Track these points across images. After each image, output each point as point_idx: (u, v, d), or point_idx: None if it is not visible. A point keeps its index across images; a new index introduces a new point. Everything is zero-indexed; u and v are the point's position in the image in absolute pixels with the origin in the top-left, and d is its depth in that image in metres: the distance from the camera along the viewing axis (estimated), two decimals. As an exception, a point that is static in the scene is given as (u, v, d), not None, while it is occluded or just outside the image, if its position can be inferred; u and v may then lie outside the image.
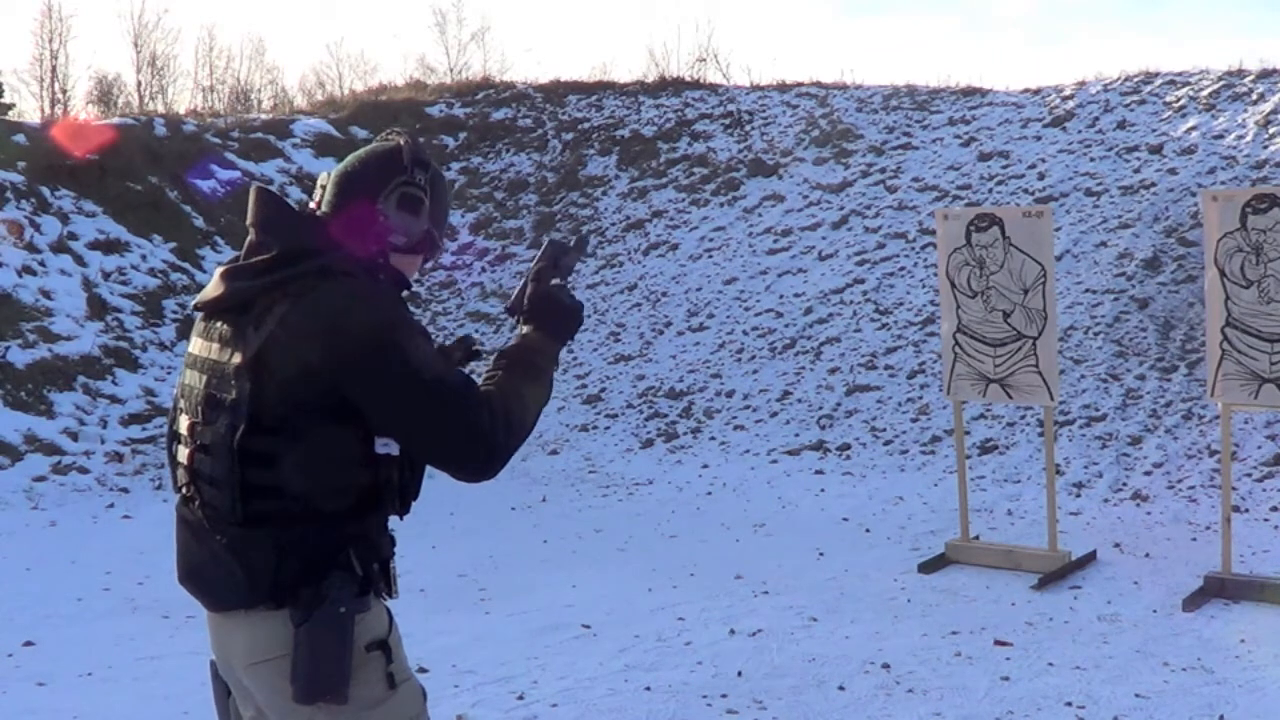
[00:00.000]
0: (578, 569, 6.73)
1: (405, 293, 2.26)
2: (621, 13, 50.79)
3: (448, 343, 2.34)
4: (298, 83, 42.28)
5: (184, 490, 2.20)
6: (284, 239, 2.14)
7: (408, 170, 2.20)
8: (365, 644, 2.09)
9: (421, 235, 2.24)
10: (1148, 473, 7.93)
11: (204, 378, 2.15)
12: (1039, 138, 12.32)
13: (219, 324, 2.16)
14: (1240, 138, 11.07)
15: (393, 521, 2.23)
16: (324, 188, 2.25)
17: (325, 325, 2.03)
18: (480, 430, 2.08)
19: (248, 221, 2.21)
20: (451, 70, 26.14)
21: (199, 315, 2.25)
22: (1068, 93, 12.98)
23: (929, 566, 6.52)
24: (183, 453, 2.19)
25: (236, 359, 2.08)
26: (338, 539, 2.09)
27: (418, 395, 2.04)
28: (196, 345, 2.22)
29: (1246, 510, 7.21)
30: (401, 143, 2.24)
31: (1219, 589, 5.78)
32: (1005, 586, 6.15)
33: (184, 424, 2.19)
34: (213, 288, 2.19)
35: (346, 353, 2.03)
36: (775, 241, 12.16)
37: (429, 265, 2.41)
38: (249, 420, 2.05)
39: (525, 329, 2.29)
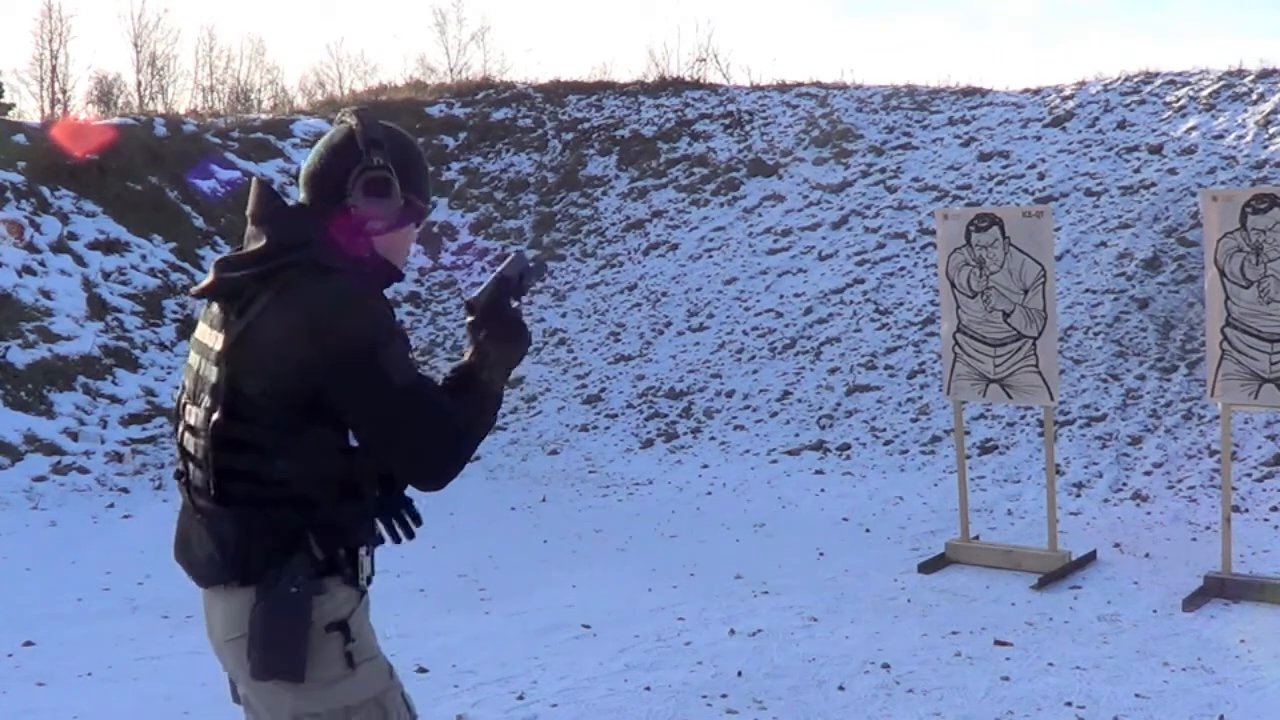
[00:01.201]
0: (578, 569, 6.73)
1: (395, 282, 2.29)
2: (621, 13, 50.82)
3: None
4: (298, 83, 42.32)
5: (178, 466, 2.27)
6: (274, 230, 2.17)
7: (364, 154, 2.18)
8: (325, 624, 2.14)
9: (399, 210, 2.23)
10: (1148, 473, 7.93)
11: (199, 360, 2.23)
12: (1039, 138, 12.32)
13: (214, 307, 2.23)
14: (1240, 138, 11.07)
15: None
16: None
17: (303, 322, 2.07)
18: (442, 442, 2.12)
19: (247, 212, 2.25)
20: (451, 70, 26.17)
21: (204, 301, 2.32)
22: (1068, 93, 12.98)
23: (929, 566, 6.52)
24: (181, 429, 2.26)
25: (219, 344, 2.14)
26: (304, 523, 2.13)
27: (387, 402, 2.08)
28: (199, 328, 2.28)
29: (1246, 510, 7.21)
30: (353, 125, 2.21)
31: (1219, 589, 5.78)
32: (1005, 586, 6.15)
33: (184, 403, 2.27)
34: (212, 272, 2.24)
35: (321, 353, 2.06)
36: (775, 241, 12.16)
37: (419, 229, 2.39)
38: (225, 405, 2.10)
39: (487, 346, 2.26)
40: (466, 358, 2.27)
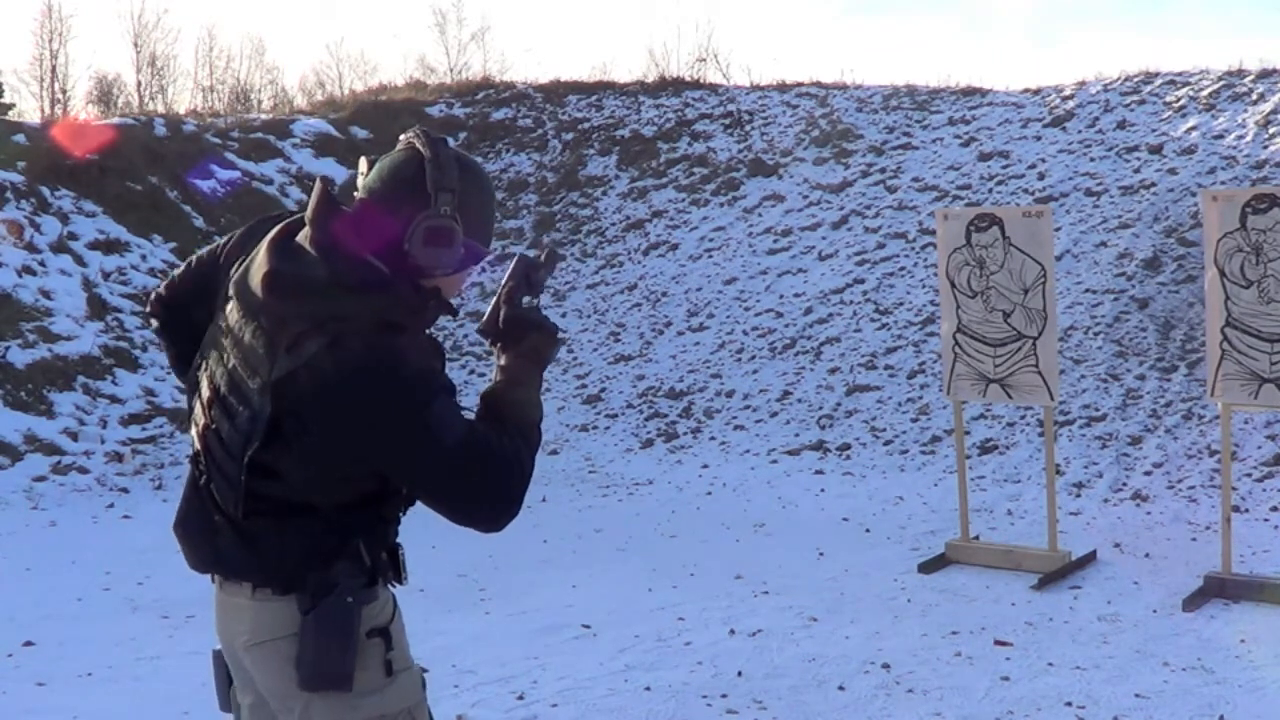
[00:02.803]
0: (578, 569, 6.73)
1: (448, 316, 2.21)
2: (621, 13, 50.83)
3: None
4: (298, 83, 42.34)
5: (196, 455, 2.18)
6: (339, 268, 2.04)
7: (431, 200, 2.03)
8: (366, 631, 2.09)
9: (459, 259, 2.09)
10: (1148, 473, 7.93)
11: (236, 354, 2.07)
12: (1039, 138, 12.32)
13: (263, 317, 2.06)
14: (1240, 138, 11.07)
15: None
16: (363, 175, 2.13)
17: (352, 390, 1.96)
18: (498, 490, 2.06)
19: (308, 216, 2.10)
20: (451, 70, 26.18)
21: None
22: (1068, 93, 12.98)
23: (929, 566, 6.51)
24: (199, 416, 2.15)
25: (264, 370, 2.01)
26: (343, 531, 2.09)
27: (438, 466, 2.01)
28: (235, 315, 2.10)
29: (1246, 510, 7.21)
30: (426, 157, 2.05)
31: (1219, 589, 5.78)
32: (1005, 586, 6.15)
33: (204, 388, 2.14)
34: (259, 283, 2.05)
35: (369, 426, 1.98)
36: (775, 241, 12.17)
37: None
38: (263, 437, 2.01)
39: (504, 359, 2.18)
40: (493, 380, 2.18)
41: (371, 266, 2.06)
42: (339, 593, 2.05)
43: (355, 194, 2.15)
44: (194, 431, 2.18)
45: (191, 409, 2.20)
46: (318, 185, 2.14)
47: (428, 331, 2.14)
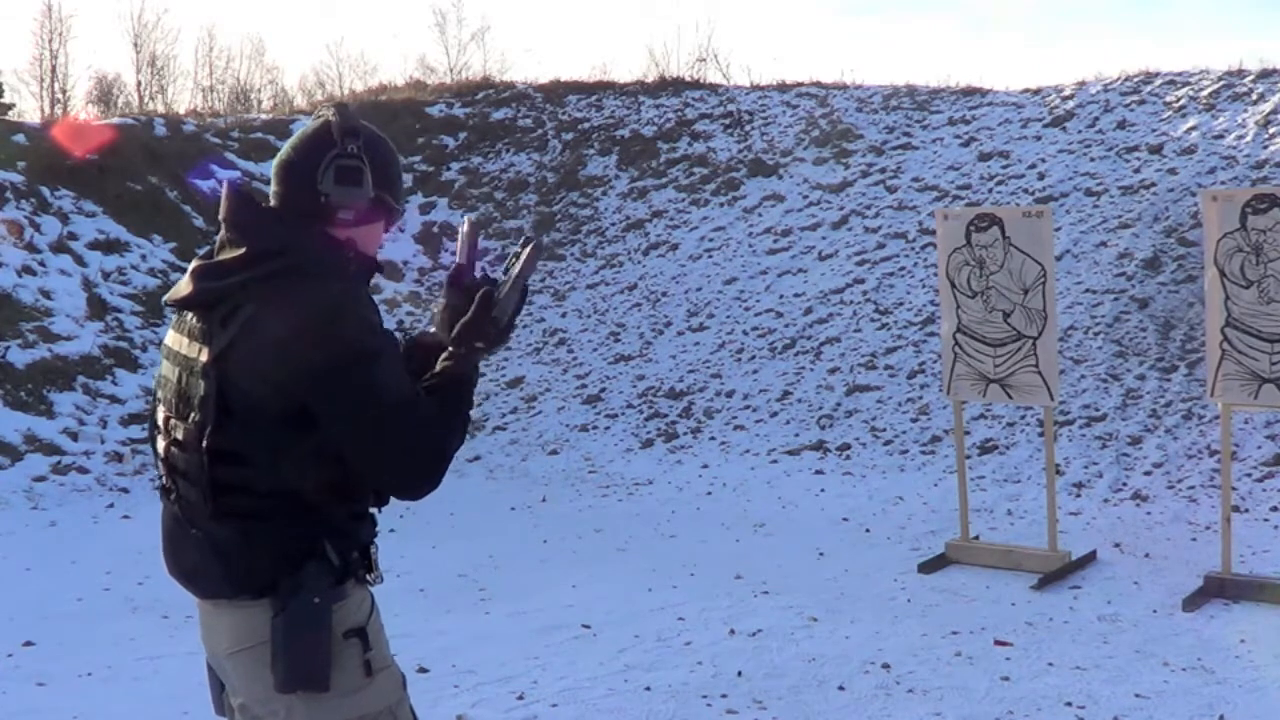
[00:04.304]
0: (578, 569, 6.73)
1: (376, 273, 2.27)
2: (621, 13, 50.86)
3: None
4: (298, 83, 42.37)
5: (163, 481, 2.22)
6: (252, 238, 2.13)
7: (338, 143, 2.16)
8: (343, 631, 2.11)
9: (369, 203, 2.19)
10: (1148, 473, 7.93)
11: (176, 371, 2.17)
12: (1039, 138, 12.32)
13: (190, 317, 2.17)
14: (1240, 138, 11.07)
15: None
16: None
17: (290, 336, 2.02)
18: (427, 462, 2.09)
19: (219, 217, 2.21)
20: (451, 70, 26.21)
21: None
22: (1068, 93, 12.98)
23: (929, 566, 6.52)
24: (160, 445, 2.21)
25: (204, 357, 2.09)
26: (311, 530, 2.10)
27: (374, 420, 2.04)
28: (170, 337, 2.23)
29: (1246, 510, 7.21)
30: (330, 117, 2.19)
31: (1219, 589, 5.78)
32: (1005, 586, 6.15)
33: (160, 416, 2.21)
34: (184, 285, 2.19)
35: (307, 368, 2.01)
36: (775, 241, 12.16)
37: (387, 232, 2.36)
38: (216, 419, 2.06)
39: (475, 348, 2.19)
40: (452, 362, 2.18)
41: (277, 232, 2.14)
42: (305, 593, 2.06)
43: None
44: (159, 462, 2.23)
45: (154, 445, 2.25)
46: (226, 188, 2.23)
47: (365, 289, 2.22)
